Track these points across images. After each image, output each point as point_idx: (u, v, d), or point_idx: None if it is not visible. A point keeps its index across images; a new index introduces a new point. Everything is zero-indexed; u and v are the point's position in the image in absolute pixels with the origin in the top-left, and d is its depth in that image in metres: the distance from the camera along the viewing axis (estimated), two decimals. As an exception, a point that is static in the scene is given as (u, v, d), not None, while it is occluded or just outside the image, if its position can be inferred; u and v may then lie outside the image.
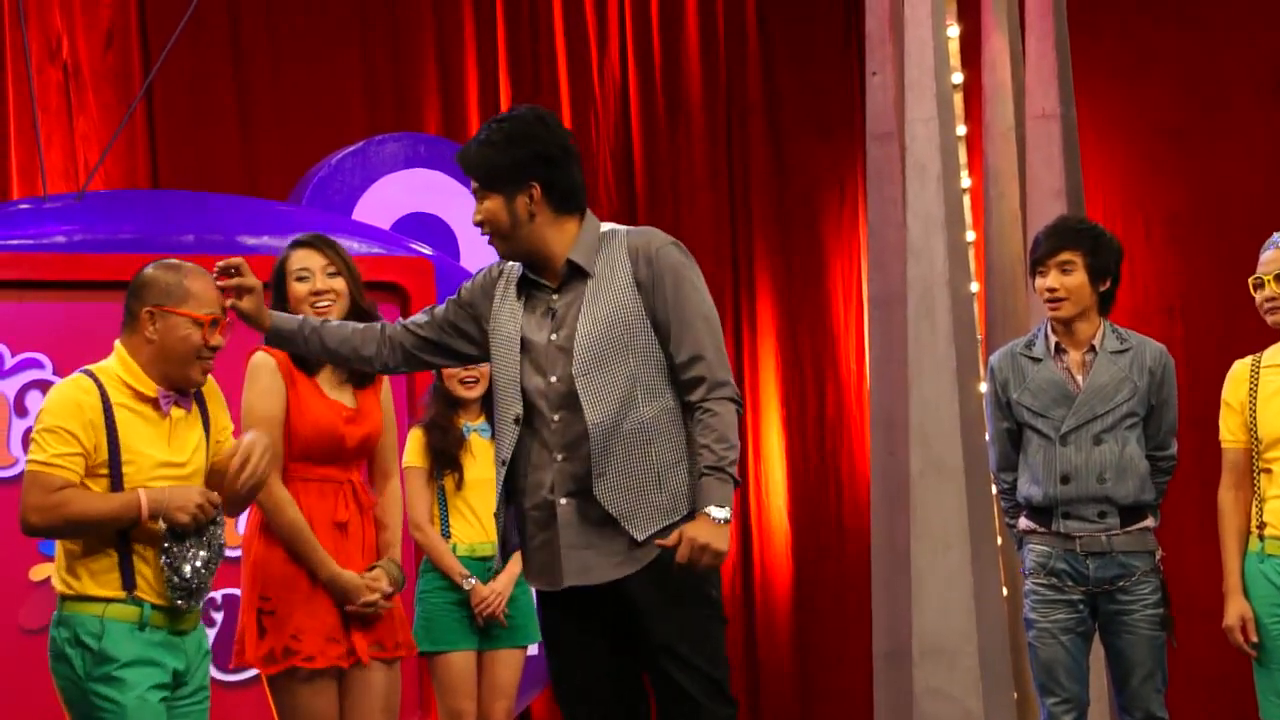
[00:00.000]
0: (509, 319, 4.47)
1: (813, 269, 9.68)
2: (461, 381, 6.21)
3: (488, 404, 6.21)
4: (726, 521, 4.28)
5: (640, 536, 4.32)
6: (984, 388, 6.60)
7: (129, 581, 4.46)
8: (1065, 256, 5.48)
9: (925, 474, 7.22)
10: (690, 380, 4.36)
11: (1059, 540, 5.46)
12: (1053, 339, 5.54)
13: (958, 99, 7.67)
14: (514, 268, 4.52)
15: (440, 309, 4.62)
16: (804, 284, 9.66)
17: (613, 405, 4.33)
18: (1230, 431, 5.33)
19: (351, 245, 5.39)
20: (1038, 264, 5.52)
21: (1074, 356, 5.52)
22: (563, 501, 4.38)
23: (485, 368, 5.75)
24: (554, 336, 4.41)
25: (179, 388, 4.55)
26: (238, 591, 5.32)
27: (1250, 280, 5.26)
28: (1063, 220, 5.85)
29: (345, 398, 5.21)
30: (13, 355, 6.66)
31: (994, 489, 6.59)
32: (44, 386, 6.53)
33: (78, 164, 8.12)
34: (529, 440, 4.41)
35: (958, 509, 7.15)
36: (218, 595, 6.68)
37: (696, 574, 4.30)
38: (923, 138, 7.36)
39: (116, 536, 4.46)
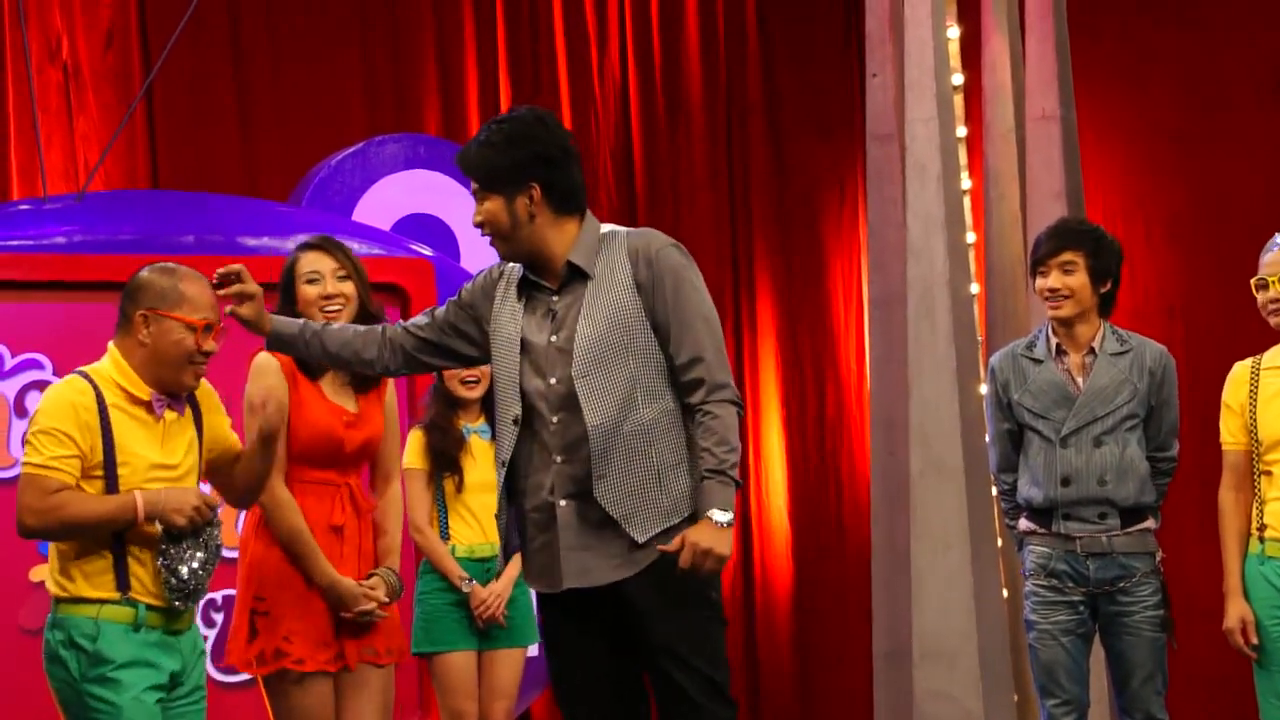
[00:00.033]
0: (509, 320, 4.47)
1: (813, 269, 9.68)
2: (463, 382, 6.21)
3: (488, 405, 6.21)
4: (729, 525, 4.28)
5: (641, 538, 4.32)
6: (984, 389, 6.59)
7: (123, 583, 4.46)
8: (1067, 257, 5.48)
9: (925, 474, 7.22)
10: (690, 382, 4.36)
11: (1059, 541, 5.46)
12: (1053, 340, 5.54)
13: (958, 100, 7.67)
14: (514, 269, 4.52)
15: (441, 310, 4.62)
16: (804, 284, 9.66)
17: (612, 407, 4.32)
18: (1230, 433, 5.33)
19: (352, 246, 5.38)
20: (1039, 264, 5.52)
21: (1074, 358, 5.52)
22: (562, 503, 4.37)
23: (487, 368, 5.75)
24: (554, 338, 4.40)
25: (171, 391, 4.54)
26: (237, 592, 5.31)
27: (1253, 281, 5.26)
28: (1064, 221, 5.85)
29: (347, 402, 5.20)
30: (13, 356, 6.66)
31: (994, 490, 6.59)
32: (44, 387, 6.52)
33: (78, 164, 8.12)
34: (529, 442, 4.41)
35: (958, 510, 7.15)
36: (218, 596, 6.68)
37: (700, 578, 4.30)
38: (923, 138, 7.36)
39: (111, 538, 4.46)
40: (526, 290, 4.48)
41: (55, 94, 8.16)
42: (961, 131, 7.69)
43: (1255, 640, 5.23)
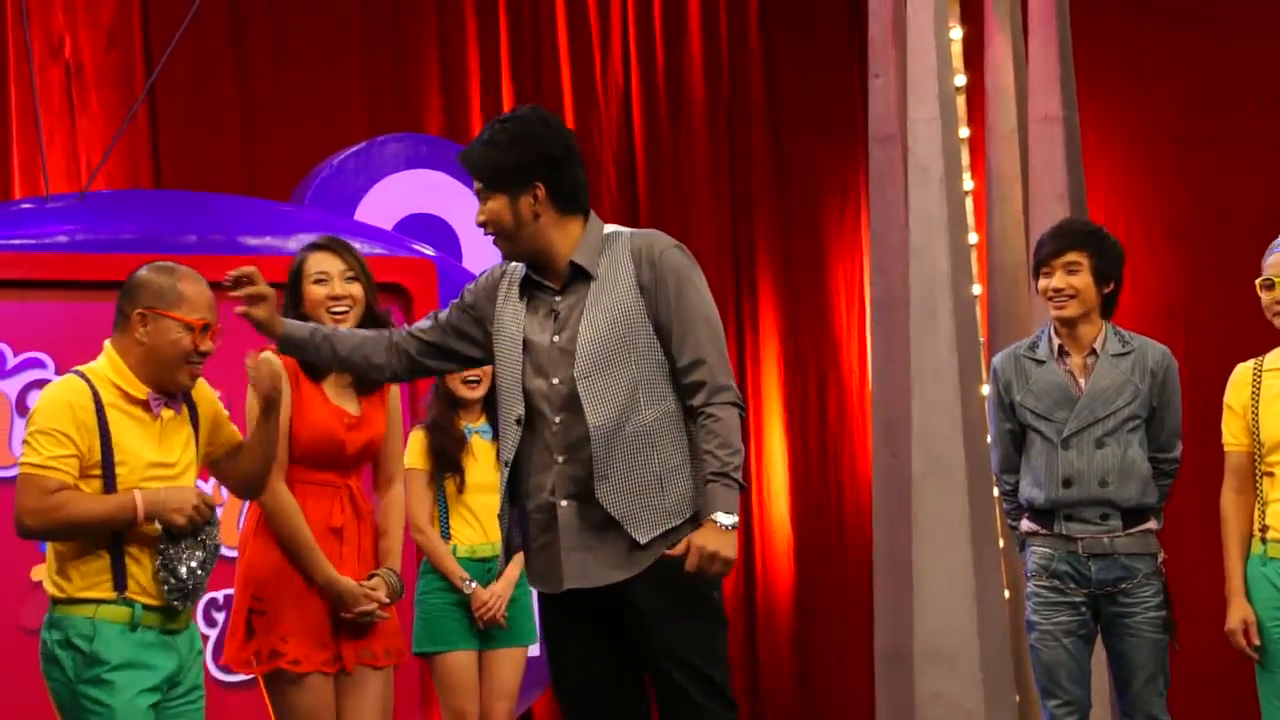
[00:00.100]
0: (511, 320, 4.46)
1: (815, 271, 9.68)
2: (464, 381, 6.20)
3: (489, 405, 6.21)
4: (733, 528, 4.27)
5: (643, 539, 4.32)
6: (986, 390, 6.60)
7: (120, 583, 4.45)
8: (1071, 257, 5.47)
9: (927, 476, 7.22)
10: (692, 384, 4.35)
11: (1061, 542, 5.46)
12: (1055, 341, 5.53)
13: (960, 101, 7.67)
14: (517, 268, 4.51)
15: (443, 313, 4.61)
16: (806, 286, 9.66)
17: (614, 408, 4.32)
18: (1232, 435, 5.33)
19: (354, 246, 5.38)
20: (1042, 264, 5.51)
21: (1076, 359, 5.52)
22: (563, 504, 4.37)
23: (488, 368, 5.75)
24: (556, 338, 4.40)
25: (167, 391, 4.53)
26: (237, 592, 5.31)
27: (1258, 281, 5.25)
28: (1068, 222, 5.85)
29: (349, 404, 5.19)
30: (15, 355, 6.65)
31: (996, 491, 6.59)
32: (45, 386, 6.53)
33: (80, 164, 8.12)
34: (531, 442, 4.41)
35: (959, 511, 7.15)
36: (219, 595, 6.68)
37: (705, 581, 4.29)
38: (925, 140, 7.36)
39: (108, 538, 4.45)
40: (529, 290, 4.48)
41: (57, 93, 8.16)
42: (964, 133, 7.69)
43: (1257, 641, 5.23)
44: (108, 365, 4.52)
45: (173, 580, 4.45)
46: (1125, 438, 5.45)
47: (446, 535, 6.22)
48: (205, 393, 4.69)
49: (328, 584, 5.07)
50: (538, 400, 4.39)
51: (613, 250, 4.42)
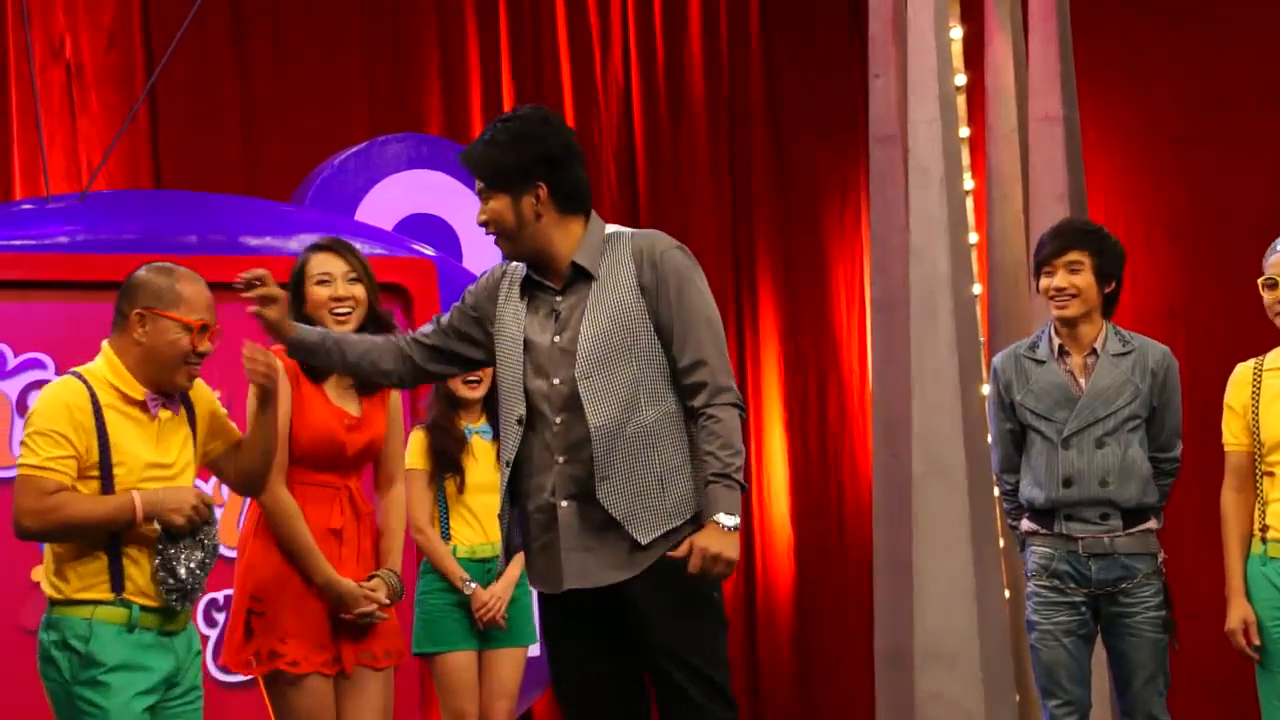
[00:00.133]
0: (512, 320, 4.46)
1: (815, 271, 9.68)
2: (464, 381, 6.20)
3: (489, 405, 6.21)
4: (735, 529, 4.27)
5: (644, 540, 4.31)
6: (986, 390, 6.60)
7: (118, 584, 4.45)
8: (1073, 256, 5.48)
9: (927, 476, 7.22)
10: (692, 385, 4.35)
11: (1061, 542, 5.46)
12: (1056, 341, 5.54)
13: (960, 101, 7.67)
14: (518, 268, 4.51)
15: (445, 317, 4.61)
16: (806, 286, 9.66)
17: (615, 408, 4.32)
18: (1233, 435, 5.33)
19: (355, 247, 5.37)
20: (1044, 264, 5.51)
21: (1076, 359, 5.52)
22: (563, 504, 4.37)
23: (489, 368, 5.75)
24: (557, 339, 4.40)
25: (164, 391, 4.53)
26: (237, 592, 5.31)
27: (1260, 281, 5.24)
28: (1069, 221, 5.85)
29: (350, 405, 5.19)
30: (15, 355, 6.65)
31: (996, 491, 6.59)
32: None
33: (80, 164, 8.11)
34: (532, 442, 4.41)
35: (960, 511, 7.15)
36: (220, 596, 6.68)
37: (707, 583, 4.30)
38: (925, 140, 7.36)
39: (106, 539, 4.45)
40: (530, 290, 4.48)
41: (58, 94, 8.16)
42: (964, 133, 7.69)
43: (1257, 641, 5.23)
44: (105, 366, 4.51)
45: (171, 580, 4.45)
46: (1125, 437, 5.45)
47: (446, 535, 6.22)
48: (202, 392, 4.68)
49: (327, 585, 5.07)
50: (538, 400, 4.39)
51: (614, 251, 4.42)
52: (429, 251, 7.31)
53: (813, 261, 9.68)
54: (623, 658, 4.45)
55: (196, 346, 4.51)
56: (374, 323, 5.16)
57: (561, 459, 4.36)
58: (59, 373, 6.48)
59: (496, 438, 6.17)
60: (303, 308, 5.17)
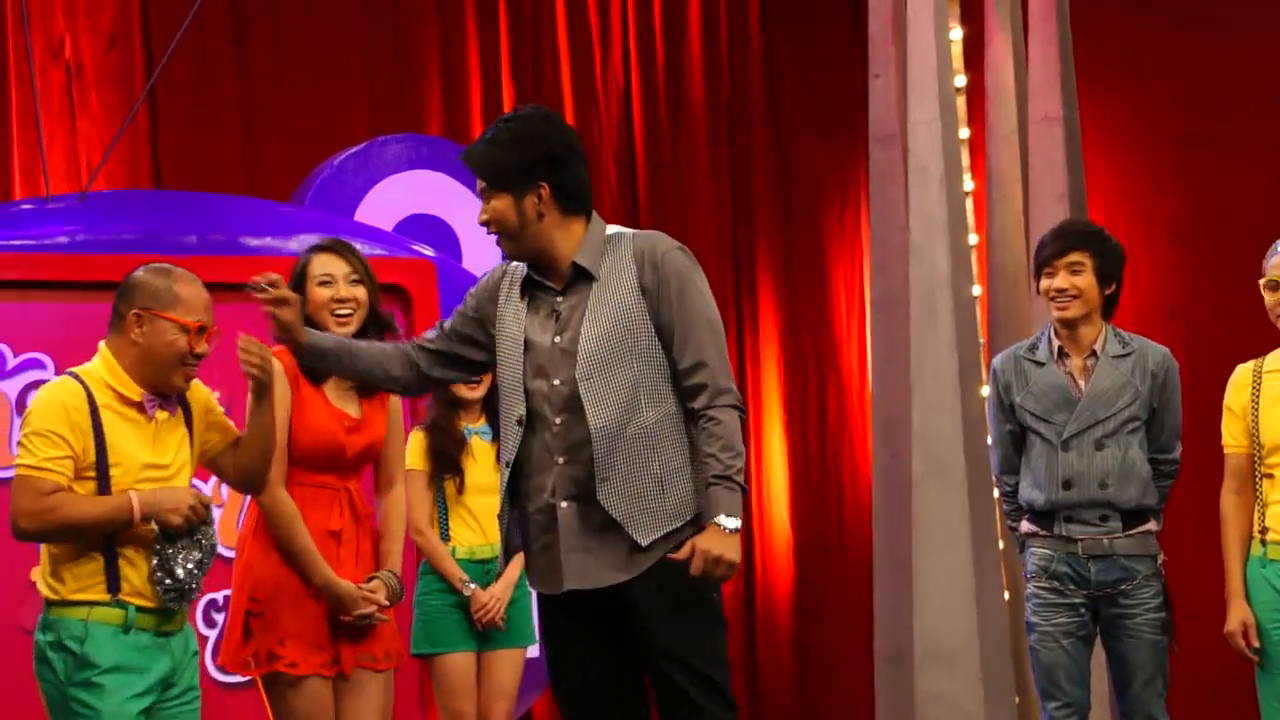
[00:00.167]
0: (513, 320, 4.46)
1: (815, 271, 9.68)
2: (464, 382, 6.20)
3: (489, 406, 6.21)
4: (737, 530, 4.27)
5: (644, 541, 4.31)
6: (986, 391, 6.59)
7: (114, 585, 4.44)
8: (1074, 257, 5.47)
9: (927, 477, 7.22)
10: (693, 387, 4.34)
11: (1061, 543, 5.46)
12: (1056, 343, 5.53)
13: (960, 101, 7.67)
14: (518, 268, 4.50)
15: (448, 322, 4.60)
16: (806, 286, 9.66)
17: (616, 410, 4.32)
18: (1232, 437, 5.32)
19: (357, 248, 5.37)
20: (1045, 265, 5.51)
21: (1076, 361, 5.52)
22: (563, 505, 4.36)
23: (488, 369, 5.74)
24: (558, 339, 4.39)
25: (160, 392, 4.52)
26: (237, 593, 5.30)
27: (1262, 282, 5.23)
28: (1070, 223, 5.85)
29: (350, 407, 5.19)
30: (15, 355, 6.65)
31: (996, 492, 6.59)
32: (46, 387, 6.52)
33: (80, 164, 8.11)
34: (532, 442, 4.40)
35: (959, 512, 7.15)
36: (219, 597, 6.68)
37: (709, 585, 4.29)
38: (925, 140, 7.36)
39: (102, 540, 4.44)
40: (530, 290, 4.47)
41: (58, 94, 8.16)
42: (964, 133, 7.69)
43: (1256, 644, 5.22)
44: (102, 366, 4.51)
45: (169, 581, 4.45)
46: (1125, 439, 5.45)
47: (446, 536, 6.22)
48: (198, 391, 4.67)
49: (326, 587, 5.07)
50: (538, 401, 4.38)
51: (615, 251, 4.41)
52: (429, 252, 7.31)
53: (813, 262, 9.68)
54: (622, 659, 4.45)
55: (193, 348, 4.50)
56: (375, 324, 5.16)
57: (561, 460, 4.36)
58: (59, 373, 6.49)
59: (496, 438, 6.17)
60: (304, 308, 5.16)
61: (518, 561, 5.30)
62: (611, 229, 4.48)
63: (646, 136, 9.38)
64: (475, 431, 6.26)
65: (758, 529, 9.42)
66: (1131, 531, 5.46)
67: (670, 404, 4.36)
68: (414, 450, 6.15)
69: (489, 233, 4.44)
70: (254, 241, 7.04)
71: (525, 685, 6.46)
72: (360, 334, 5.11)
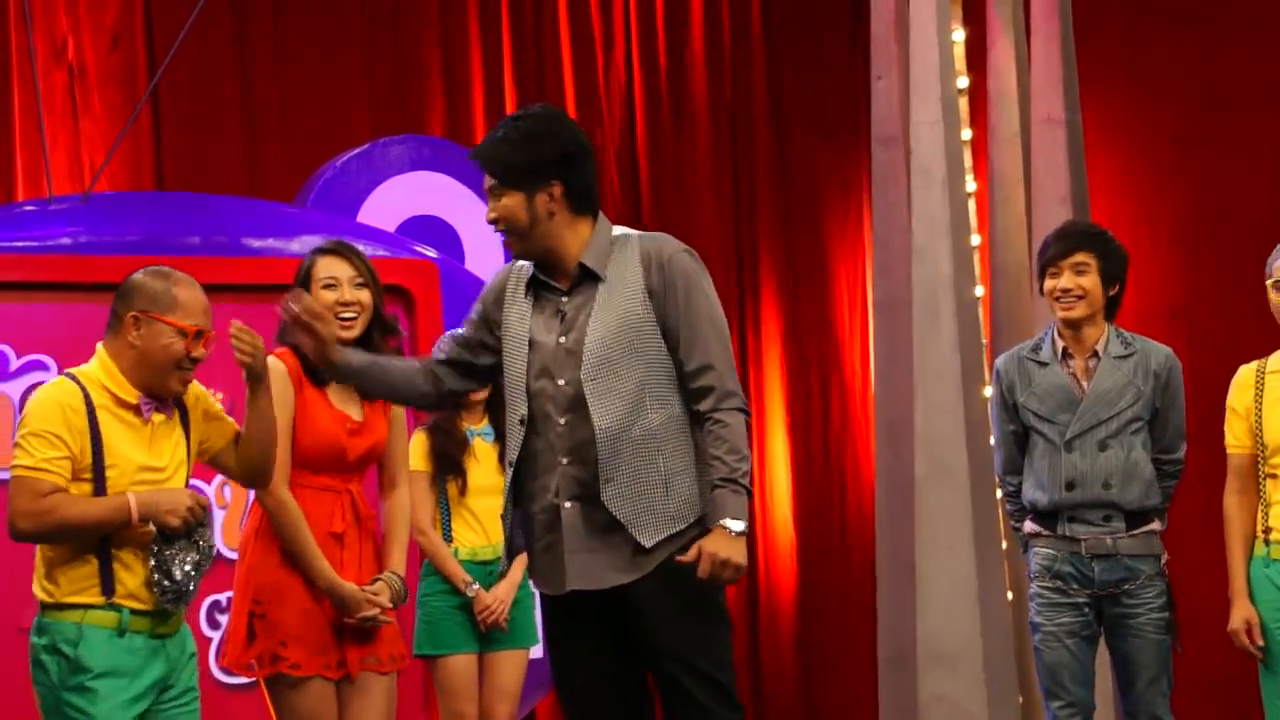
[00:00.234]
0: (518, 320, 4.45)
1: (817, 272, 9.68)
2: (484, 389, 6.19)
3: (491, 407, 6.21)
4: (743, 533, 4.27)
5: (648, 543, 4.31)
6: (989, 391, 6.59)
7: (108, 588, 4.43)
8: (1080, 258, 5.47)
9: (930, 478, 7.22)
10: (699, 389, 4.34)
11: (1064, 543, 5.46)
12: (1059, 343, 5.53)
13: (963, 103, 7.66)
14: (524, 268, 4.49)
15: (461, 331, 4.59)
16: (809, 287, 9.66)
17: (621, 411, 4.31)
18: (1235, 437, 5.32)
19: (361, 251, 5.36)
20: (1049, 265, 5.51)
21: (1079, 361, 5.52)
22: (567, 505, 4.36)
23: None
24: (563, 339, 4.39)
25: (156, 396, 4.52)
26: (240, 594, 5.30)
27: (1269, 282, 5.22)
28: (1073, 223, 5.85)
29: (352, 410, 5.18)
30: (18, 357, 6.65)
31: (999, 492, 6.59)
32: (48, 388, 6.52)
33: (83, 165, 8.12)
34: (535, 442, 4.39)
35: (962, 513, 7.15)
36: (222, 598, 6.68)
37: (715, 588, 4.29)
38: (928, 141, 7.36)
39: (97, 542, 4.43)
40: (535, 290, 4.46)
41: (61, 95, 8.16)
42: (966, 135, 7.68)
43: (1261, 642, 5.22)
44: (99, 368, 4.50)
45: (167, 582, 4.43)
46: (1128, 440, 5.45)
47: (448, 538, 6.22)
48: (193, 390, 4.65)
49: (330, 588, 5.06)
50: (543, 401, 4.38)
51: (622, 253, 4.40)
52: (431, 253, 7.31)
53: (815, 263, 9.68)
54: (626, 659, 4.44)
55: (191, 352, 4.49)
56: (379, 327, 5.16)
57: (565, 460, 4.36)
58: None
59: (498, 439, 6.17)
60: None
61: (520, 562, 5.31)
62: (618, 230, 4.47)
63: (648, 138, 9.38)
64: (477, 433, 6.27)
65: (760, 530, 9.42)
66: (1135, 531, 5.46)
67: (675, 406, 4.36)
68: (416, 452, 6.15)
69: (497, 231, 4.42)
70: (256, 243, 7.05)
71: (529, 686, 6.47)
72: (364, 337, 5.11)
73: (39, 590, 4.50)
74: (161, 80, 7.79)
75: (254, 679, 5.22)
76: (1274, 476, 5.23)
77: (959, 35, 7.70)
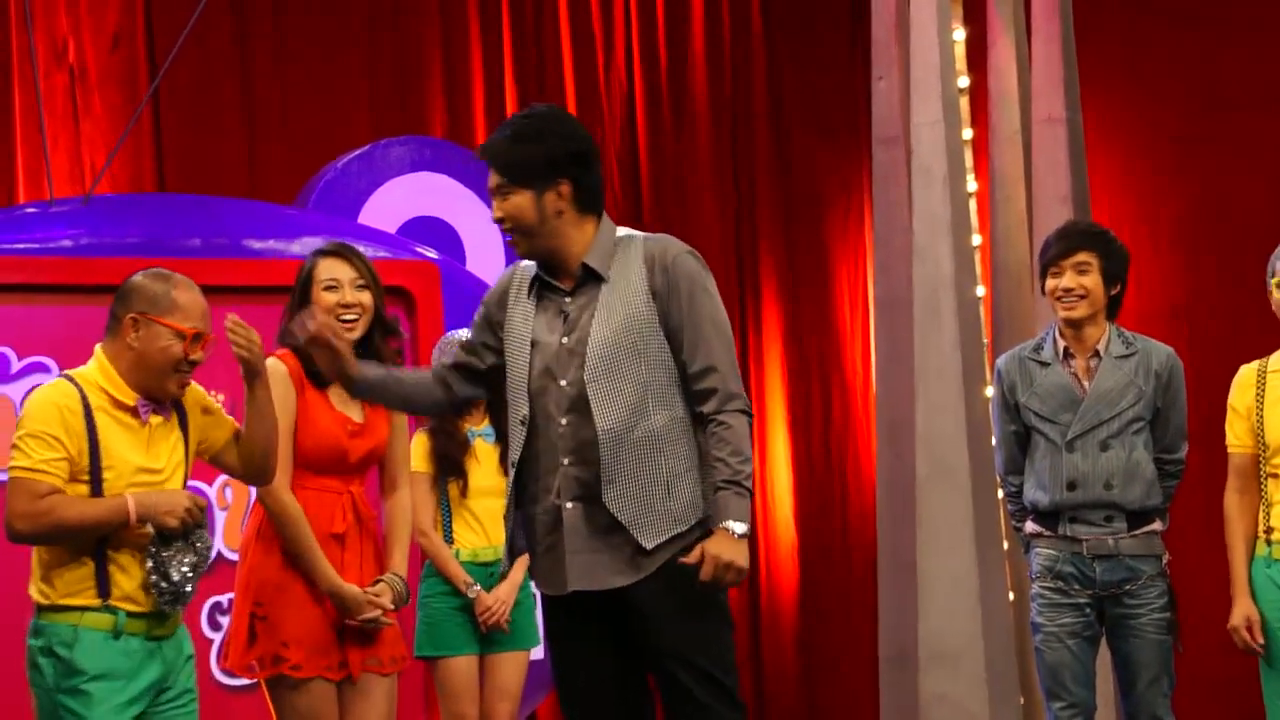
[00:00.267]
0: (521, 320, 4.45)
1: (818, 272, 9.69)
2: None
3: (491, 408, 6.21)
4: (746, 536, 4.26)
5: (649, 544, 4.31)
6: (990, 391, 6.59)
7: (104, 590, 4.43)
8: (1081, 257, 5.47)
9: (931, 478, 7.21)
10: (703, 391, 4.34)
11: (1066, 544, 5.46)
12: (1060, 343, 5.53)
13: (964, 102, 7.66)
14: (528, 268, 4.49)
15: (467, 339, 4.59)
16: (810, 287, 9.66)
17: (623, 412, 4.31)
18: (1237, 437, 5.33)
19: (363, 253, 5.37)
20: (1050, 264, 5.51)
21: (1080, 361, 5.52)
22: (568, 506, 4.36)
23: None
24: (565, 339, 4.38)
25: (154, 398, 4.52)
26: (242, 595, 5.30)
27: (1273, 282, 5.22)
28: (1075, 223, 5.84)
29: (353, 411, 5.18)
30: (19, 359, 6.66)
31: (1000, 492, 6.59)
32: (49, 390, 6.52)
33: (84, 167, 8.12)
34: (537, 443, 4.39)
35: (963, 513, 7.14)
36: (224, 600, 6.68)
37: (717, 590, 4.29)
38: (928, 141, 7.35)
39: (93, 544, 4.43)
40: (539, 290, 4.46)
41: (61, 97, 8.16)
42: (967, 134, 7.68)
43: (1261, 639, 5.22)
44: (97, 370, 4.50)
45: (164, 584, 4.43)
46: (1130, 440, 5.45)
47: (449, 539, 6.22)
48: (191, 390, 4.64)
49: (332, 590, 5.07)
50: (545, 401, 4.37)
51: (625, 254, 4.40)
52: (432, 254, 7.32)
53: (816, 263, 9.68)
54: (627, 660, 4.44)
55: (189, 354, 4.48)
56: (380, 329, 5.16)
57: (567, 461, 4.35)
58: (63, 376, 6.49)
59: (499, 440, 6.17)
60: (308, 312, 5.16)
61: (522, 563, 5.30)
62: (622, 231, 4.47)
63: (649, 138, 9.39)
64: (478, 434, 6.27)
65: (762, 530, 9.42)
66: (1136, 531, 5.46)
67: (678, 407, 4.36)
68: (417, 453, 6.15)
69: (503, 229, 4.40)
70: (257, 244, 7.05)
71: (530, 687, 6.47)
72: (365, 339, 5.11)
73: (35, 592, 4.50)
74: (162, 81, 7.79)
75: (255, 680, 5.22)
76: (1275, 476, 5.23)
77: (959, 35, 7.69)
